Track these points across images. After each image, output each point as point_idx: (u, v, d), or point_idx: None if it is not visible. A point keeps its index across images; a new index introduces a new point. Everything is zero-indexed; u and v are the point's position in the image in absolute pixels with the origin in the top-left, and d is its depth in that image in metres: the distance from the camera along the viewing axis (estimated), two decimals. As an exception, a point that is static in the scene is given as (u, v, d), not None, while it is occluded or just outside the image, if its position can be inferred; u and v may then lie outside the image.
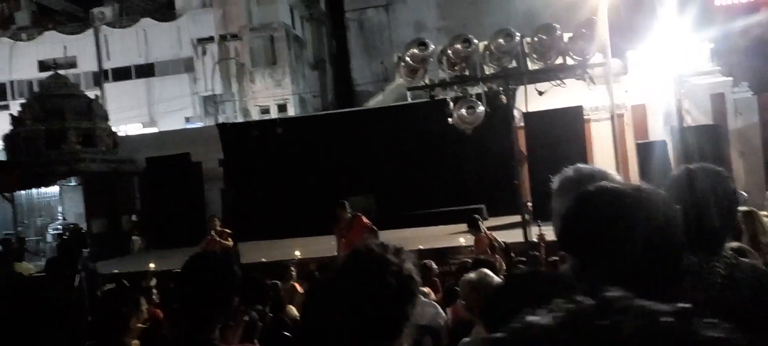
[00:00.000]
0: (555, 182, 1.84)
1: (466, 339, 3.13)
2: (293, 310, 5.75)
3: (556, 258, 7.57)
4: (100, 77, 29.70)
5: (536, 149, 13.73)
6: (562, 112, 13.90)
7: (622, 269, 1.14)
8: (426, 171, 16.78)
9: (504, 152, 16.22)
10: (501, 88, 7.07)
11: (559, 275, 1.28)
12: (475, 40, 5.85)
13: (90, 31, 29.69)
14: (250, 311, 3.87)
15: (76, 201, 19.25)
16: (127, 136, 22.77)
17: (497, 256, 8.24)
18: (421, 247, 9.85)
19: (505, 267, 7.25)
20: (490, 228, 13.65)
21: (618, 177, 1.84)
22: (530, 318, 0.54)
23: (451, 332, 4.43)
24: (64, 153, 18.30)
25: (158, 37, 29.21)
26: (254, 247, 12.87)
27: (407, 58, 6.03)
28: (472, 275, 3.23)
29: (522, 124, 13.85)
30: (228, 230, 10.58)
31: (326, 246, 11.37)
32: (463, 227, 13.88)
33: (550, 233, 8.93)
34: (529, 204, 10.51)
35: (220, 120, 23.26)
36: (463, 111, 6.34)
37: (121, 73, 29.93)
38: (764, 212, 4.83)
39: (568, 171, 1.84)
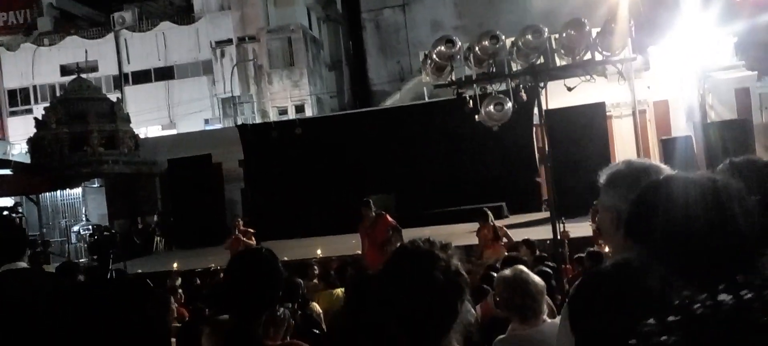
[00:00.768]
0: (603, 175, 1.82)
1: (502, 336, 3.11)
2: (316, 306, 5.76)
3: (582, 255, 7.52)
4: (120, 81, 30.06)
5: (558, 146, 13.62)
6: (584, 108, 13.80)
7: (694, 257, 1.12)
8: (445, 169, 16.75)
9: (525, 150, 16.29)
10: (523, 86, 7.01)
11: (639, 268, 1.26)
12: (503, 37, 5.82)
13: (110, 36, 30.08)
14: (283, 308, 3.88)
15: (99, 202, 19.52)
16: (148, 138, 23.03)
17: (500, 247, 8.26)
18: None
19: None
20: (510, 225, 13.65)
21: (671, 172, 1.81)
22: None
23: (482, 329, 4.41)
24: (87, 155, 18.57)
25: (177, 41, 29.49)
26: (275, 246, 12.72)
27: (434, 56, 6.01)
28: (507, 271, 3.20)
29: (542, 121, 13.75)
30: (251, 230, 10.66)
31: (347, 245, 11.40)
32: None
33: (573, 229, 8.88)
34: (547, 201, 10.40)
35: (239, 122, 23.41)
36: (491, 108, 6.31)
37: (141, 77, 30.26)
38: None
39: (619, 165, 1.83)
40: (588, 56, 5.81)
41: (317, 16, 31.24)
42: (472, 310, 4.60)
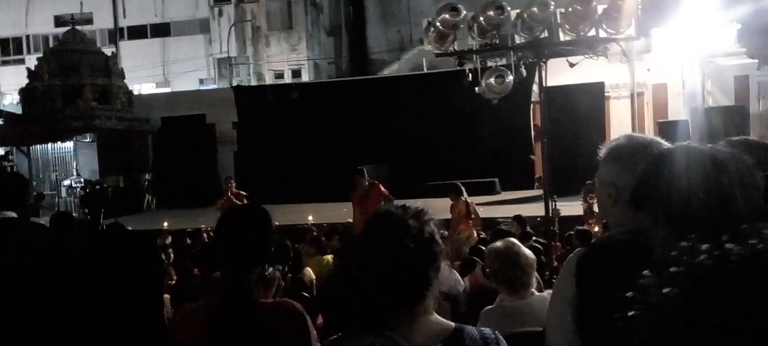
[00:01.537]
0: (603, 150, 1.79)
1: (490, 307, 3.12)
2: (310, 272, 5.76)
3: (571, 233, 7.56)
4: (115, 35, 29.64)
5: (554, 124, 13.56)
6: (582, 87, 13.73)
7: (696, 226, 1.10)
8: (440, 142, 16.71)
9: (521, 126, 16.24)
10: (523, 61, 6.93)
11: (647, 235, 1.25)
12: (508, 8, 5.71)
13: (107, -12, 29.56)
14: (273, 268, 3.87)
15: (90, 157, 19.38)
16: (142, 95, 22.80)
17: (471, 224, 8.25)
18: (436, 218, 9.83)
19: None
20: (502, 202, 13.68)
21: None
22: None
23: (469, 300, 4.43)
24: (80, 109, 18.38)
25: (175, -3, 29.08)
26: (267, 210, 12.91)
27: (438, 24, 5.91)
28: (498, 243, 3.19)
29: (541, 98, 13.71)
30: (244, 193, 10.63)
31: (338, 212, 11.38)
32: (476, 199, 13.89)
33: (564, 208, 8.90)
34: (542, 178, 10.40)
35: (234, 83, 23.18)
36: (492, 80, 6.23)
37: (137, 32, 29.85)
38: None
39: (620, 139, 1.80)
40: (592, 33, 5.73)
41: (318, -21, 30.79)
42: (461, 280, 4.60)
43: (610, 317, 0.79)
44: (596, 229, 7.83)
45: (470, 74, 7.29)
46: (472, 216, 8.26)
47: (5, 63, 30.20)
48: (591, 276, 1.41)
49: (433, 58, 9.40)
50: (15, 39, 30.38)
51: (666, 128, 14.22)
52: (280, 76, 27.62)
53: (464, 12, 5.79)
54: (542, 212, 7.51)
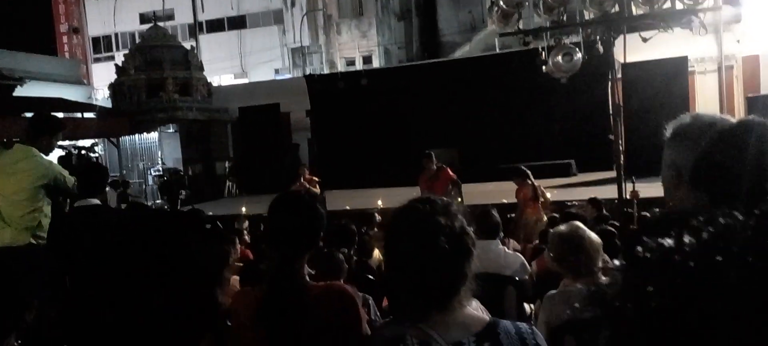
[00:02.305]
0: (668, 129, 1.70)
1: (552, 291, 3.03)
2: (378, 255, 5.81)
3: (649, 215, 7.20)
4: (195, 29, 30.87)
5: (633, 103, 12.94)
6: (664, 63, 12.97)
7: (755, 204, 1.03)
8: (513, 124, 16.35)
9: (597, 105, 15.61)
10: (599, 37, 6.63)
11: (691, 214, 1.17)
12: (576, -17, 5.48)
13: (186, -15, 30.79)
14: (336, 253, 3.93)
15: (173, 147, 20.36)
16: (220, 86, 23.67)
17: (539, 207, 7.98)
18: (505, 201, 9.67)
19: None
20: (579, 184, 13.23)
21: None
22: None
23: (536, 285, 4.33)
24: (163, 101, 19.32)
25: (249, -11, 29.90)
26: (339, 195, 13.14)
27: (501, 2, 5.74)
28: (562, 227, 3.09)
29: (620, 75, 13.12)
30: (316, 178, 10.83)
31: (408, 197, 11.35)
32: (551, 181, 13.53)
33: (644, 189, 8.49)
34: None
35: (308, 72, 23.62)
36: (559, 58, 6.00)
37: (215, 25, 30.96)
38: None
39: (685, 118, 1.70)
40: (668, 5, 5.38)
41: (387, -36, 30.71)
42: (527, 265, 4.50)
43: None
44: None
45: (543, 53, 7.07)
46: (541, 199, 8.04)
47: (97, 60, 32.18)
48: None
49: (507, 38, 9.16)
50: (105, 37, 32.31)
51: (756, 104, 13.25)
52: (351, 63, 27.86)
53: (528, -11, 5.61)
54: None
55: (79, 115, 19.18)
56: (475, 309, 1.59)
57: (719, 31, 13.64)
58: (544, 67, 6.41)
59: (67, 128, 5.32)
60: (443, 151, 12.58)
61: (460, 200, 8.81)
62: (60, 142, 5.32)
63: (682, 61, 13.57)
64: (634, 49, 8.97)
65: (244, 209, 11.73)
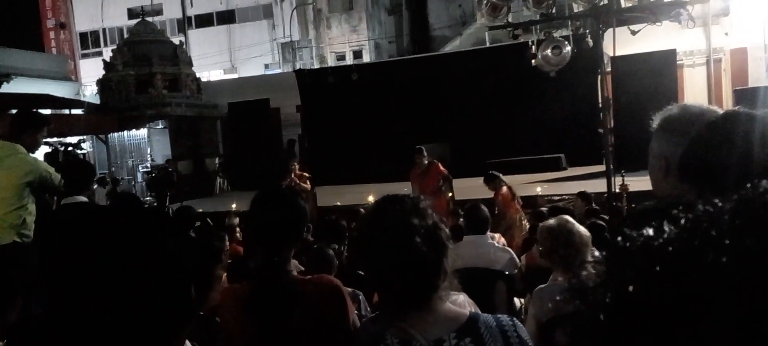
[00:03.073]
0: (656, 120, 1.70)
1: (542, 286, 3.03)
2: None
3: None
4: (184, 24, 30.67)
5: (622, 96, 12.99)
6: (653, 56, 13.03)
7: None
8: (503, 118, 16.37)
9: (586, 99, 15.65)
10: (588, 30, 6.64)
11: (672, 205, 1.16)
12: (564, -25, 5.47)
13: (175, -21, 30.56)
14: (327, 248, 3.92)
15: (163, 143, 20.24)
16: (210, 82, 23.53)
17: (518, 206, 7.96)
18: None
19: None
20: (569, 178, 13.28)
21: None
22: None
23: (526, 279, 4.34)
24: (152, 97, 19.18)
25: (238, -16, 29.73)
26: (330, 191, 13.12)
27: (489, -6, 5.74)
28: (551, 221, 3.09)
29: (609, 68, 13.16)
30: (306, 174, 10.78)
31: (399, 192, 11.37)
32: (541, 176, 13.57)
33: (633, 183, 8.53)
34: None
35: (298, 66, 23.54)
36: (548, 52, 6.01)
37: (204, 20, 30.77)
38: None
39: (672, 109, 1.70)
40: (657, -3, 5.40)
41: (377, -42, 30.62)
42: (517, 259, 4.51)
43: None
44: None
45: (532, 47, 7.07)
46: (517, 197, 8.03)
47: (85, 56, 31.91)
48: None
49: (497, 32, 9.14)
50: (93, 33, 32.03)
51: (744, 96, 13.34)
52: (341, 57, 27.80)
53: (517, -18, 5.60)
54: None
55: (66, 111, 19.00)
56: (463, 303, 1.58)
57: (707, 24, 13.72)
58: (533, 61, 6.42)
59: (54, 125, 5.27)
60: (434, 146, 12.57)
61: (450, 194, 8.81)
62: (47, 139, 5.27)
63: (671, 54, 13.64)
64: (623, 43, 8.98)
65: (234, 206, 11.69)
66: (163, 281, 1.14)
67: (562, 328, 2.62)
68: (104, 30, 31.82)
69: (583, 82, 14.63)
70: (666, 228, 0.44)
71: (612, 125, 7.26)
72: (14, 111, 5.28)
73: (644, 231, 0.45)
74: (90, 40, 32.20)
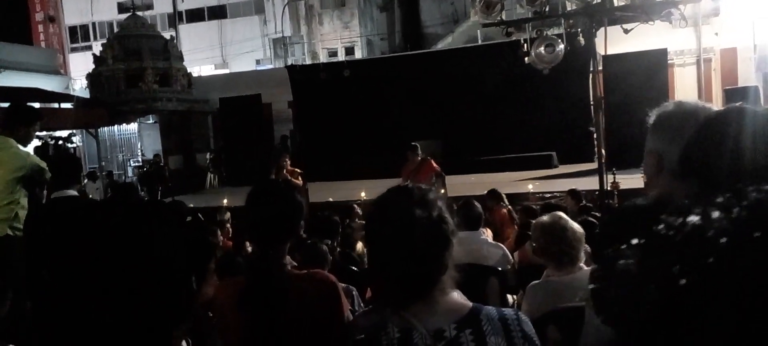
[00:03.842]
0: (652, 116, 1.71)
1: (535, 282, 3.05)
2: (361, 247, 5.81)
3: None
4: (174, 19, 30.47)
5: (614, 94, 13.05)
6: (644, 55, 13.08)
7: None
8: (495, 116, 16.41)
9: (578, 97, 15.73)
10: (581, 30, 6.66)
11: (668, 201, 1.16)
12: (558, -26, 5.49)
13: (165, -27, 30.35)
14: (320, 244, 3.92)
15: (153, 138, 20.13)
16: (201, 77, 23.40)
17: (516, 228, 7.82)
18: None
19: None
20: (560, 176, 13.34)
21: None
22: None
23: (519, 275, 4.36)
24: (142, 92, 19.05)
25: (230, -21, 29.56)
26: (322, 187, 13.09)
27: (483, -9, 5.74)
28: (545, 217, 3.10)
29: (600, 67, 13.20)
30: (298, 170, 10.76)
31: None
32: (532, 173, 13.63)
33: (624, 181, 8.59)
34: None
35: (289, 62, 23.45)
36: (542, 49, 6.03)
37: (195, 15, 30.58)
38: None
39: (668, 105, 1.71)
40: (650, -3, 5.43)
41: (370, -45, 30.57)
42: (510, 255, 4.52)
43: None
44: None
45: (525, 45, 7.08)
46: (516, 220, 7.95)
47: (74, 50, 31.62)
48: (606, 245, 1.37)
49: (489, 30, 9.16)
50: (82, 26, 31.74)
51: (734, 95, 13.46)
52: (333, 54, 27.74)
53: (511, -21, 5.61)
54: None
55: (56, 105, 18.84)
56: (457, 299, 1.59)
57: (698, 23, 13.81)
58: (526, 59, 6.43)
59: (44, 119, 5.24)
60: (426, 143, 12.59)
61: (443, 191, 8.83)
62: (37, 133, 5.23)
63: (662, 53, 13.71)
64: (615, 42, 9.03)
65: (225, 201, 11.64)
66: (162, 274, 1.14)
67: (555, 323, 2.64)
68: (94, 24, 31.55)
69: (575, 81, 14.70)
70: (715, 215, 0.43)
71: (603, 124, 7.29)
72: (4, 105, 5.23)
73: (687, 220, 0.44)
74: (79, 34, 31.91)
